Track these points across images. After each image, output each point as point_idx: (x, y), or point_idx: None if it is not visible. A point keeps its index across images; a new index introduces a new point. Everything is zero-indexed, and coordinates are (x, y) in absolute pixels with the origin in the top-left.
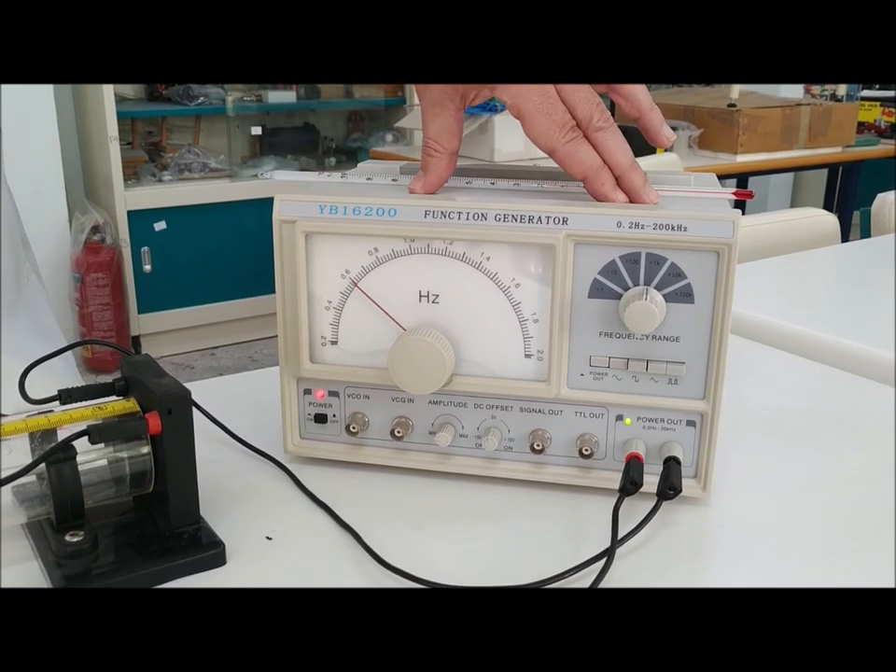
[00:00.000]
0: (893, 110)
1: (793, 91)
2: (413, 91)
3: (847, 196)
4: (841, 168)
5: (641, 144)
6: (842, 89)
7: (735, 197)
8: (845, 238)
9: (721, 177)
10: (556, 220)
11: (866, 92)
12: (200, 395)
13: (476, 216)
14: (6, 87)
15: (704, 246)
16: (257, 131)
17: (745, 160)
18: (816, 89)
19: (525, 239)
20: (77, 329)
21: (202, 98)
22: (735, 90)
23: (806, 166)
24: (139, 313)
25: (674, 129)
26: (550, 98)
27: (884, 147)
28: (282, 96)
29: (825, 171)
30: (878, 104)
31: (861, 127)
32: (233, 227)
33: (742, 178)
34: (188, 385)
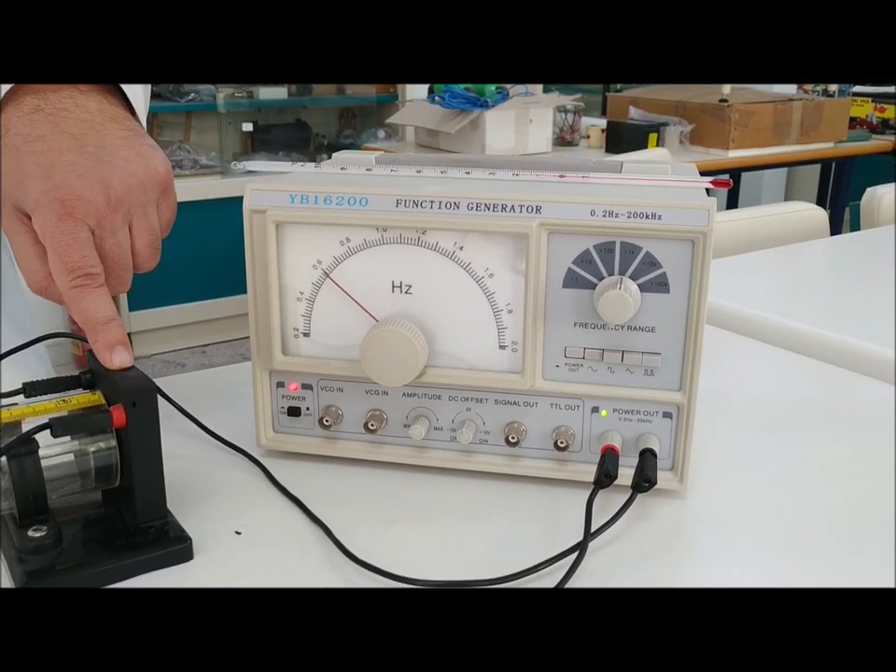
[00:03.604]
0: (885, 106)
1: (785, 87)
2: (404, 88)
3: (840, 191)
4: (834, 164)
5: (632, 138)
6: (834, 84)
7: (712, 186)
8: (836, 233)
9: (713, 172)
10: (529, 209)
11: (858, 88)
12: (176, 389)
13: (448, 204)
14: None
15: (678, 235)
16: (248, 127)
17: (737, 155)
18: (808, 84)
19: (497, 228)
20: (68, 325)
21: (192, 94)
22: (727, 85)
23: (798, 161)
24: (130, 310)
25: (665, 125)
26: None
27: (876, 143)
28: (273, 93)
29: (818, 166)
30: (870, 99)
31: (853, 123)
32: (225, 224)
33: (734, 174)
34: (170, 381)
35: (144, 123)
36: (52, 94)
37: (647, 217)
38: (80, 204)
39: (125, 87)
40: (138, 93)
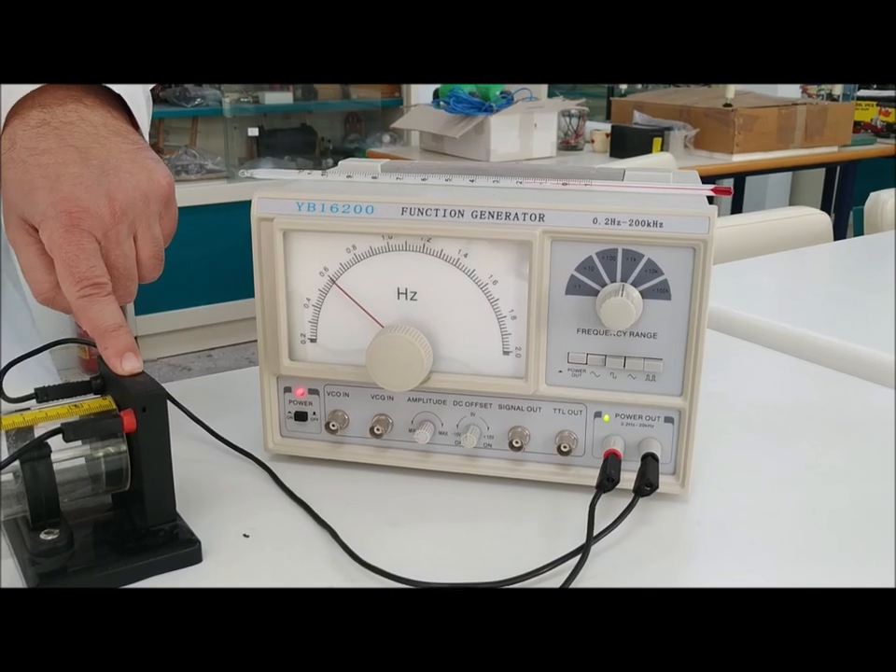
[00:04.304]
0: (889, 110)
1: (790, 91)
2: (409, 92)
3: (844, 195)
4: (838, 168)
5: (637, 143)
6: (838, 88)
7: (713, 193)
8: (841, 237)
9: (718, 177)
10: (533, 217)
11: (862, 92)
12: (184, 393)
13: (453, 212)
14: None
15: (680, 242)
16: (254, 132)
17: (741, 159)
18: (812, 88)
19: (501, 235)
20: (74, 330)
21: (198, 99)
22: (731, 89)
23: (803, 166)
24: (136, 314)
25: (669, 129)
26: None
27: (880, 147)
28: (279, 97)
29: (823, 171)
30: (875, 103)
31: (858, 126)
32: (230, 228)
33: (739, 178)
34: (179, 385)
35: (146, 137)
36: (58, 108)
37: (648, 224)
38: (86, 216)
39: (129, 101)
40: (141, 108)
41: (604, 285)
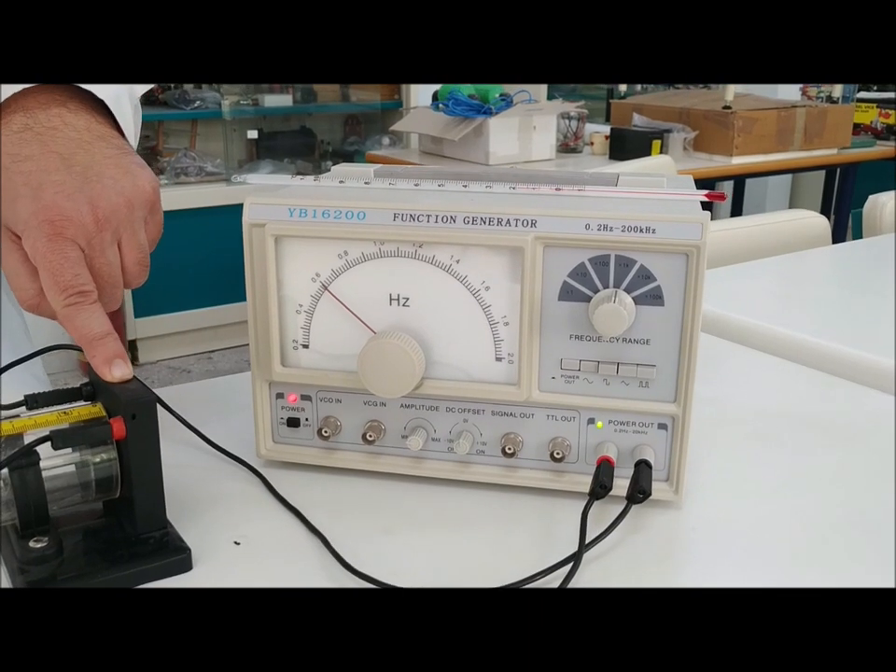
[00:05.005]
0: (889, 112)
1: (789, 93)
2: (409, 94)
3: (844, 198)
4: (838, 170)
5: (636, 145)
6: (838, 90)
7: (706, 199)
8: (841, 239)
9: (717, 179)
10: (525, 223)
11: (862, 94)
12: (178, 398)
13: (445, 218)
14: None
15: (673, 248)
16: (253, 134)
17: (740, 161)
18: (812, 91)
19: (494, 241)
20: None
21: (198, 102)
22: (730, 92)
23: (802, 168)
24: (136, 317)
25: (669, 131)
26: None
27: (880, 149)
28: (278, 100)
29: (823, 173)
30: (874, 105)
31: (858, 129)
32: (230, 230)
33: (738, 180)
34: (173, 390)
35: (134, 144)
36: (41, 113)
37: (641, 230)
38: (69, 225)
39: (112, 105)
40: (127, 114)
41: (596, 291)
